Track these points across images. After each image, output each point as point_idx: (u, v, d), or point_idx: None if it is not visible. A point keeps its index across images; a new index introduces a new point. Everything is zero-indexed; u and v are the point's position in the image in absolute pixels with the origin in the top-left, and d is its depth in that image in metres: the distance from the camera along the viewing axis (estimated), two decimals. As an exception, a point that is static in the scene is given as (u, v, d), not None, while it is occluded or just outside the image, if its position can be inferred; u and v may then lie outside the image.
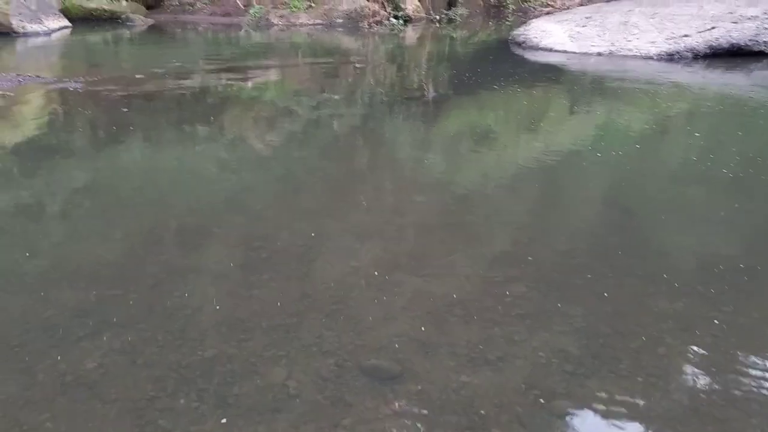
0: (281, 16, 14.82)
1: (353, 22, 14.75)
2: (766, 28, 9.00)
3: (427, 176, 4.51)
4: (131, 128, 5.53)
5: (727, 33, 9.03)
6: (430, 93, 7.69)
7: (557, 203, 4.02)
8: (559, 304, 2.68)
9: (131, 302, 2.69)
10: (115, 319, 2.56)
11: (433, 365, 2.28)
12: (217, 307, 2.66)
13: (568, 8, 13.90)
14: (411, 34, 14.08)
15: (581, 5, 13.81)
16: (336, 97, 7.21)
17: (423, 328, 2.52)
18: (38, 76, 7.65)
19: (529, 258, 3.11)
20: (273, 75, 8.92)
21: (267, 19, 14.70)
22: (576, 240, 3.36)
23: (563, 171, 4.61)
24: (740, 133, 5.69)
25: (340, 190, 4.19)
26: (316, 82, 8.33)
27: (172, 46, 11.60)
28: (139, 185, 4.21)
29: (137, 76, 7.78)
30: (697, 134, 5.65)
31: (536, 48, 10.28)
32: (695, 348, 2.42)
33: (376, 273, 2.96)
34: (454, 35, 13.83)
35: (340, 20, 14.82)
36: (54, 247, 3.26)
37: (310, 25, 14.66)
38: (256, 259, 3.12)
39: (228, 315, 2.61)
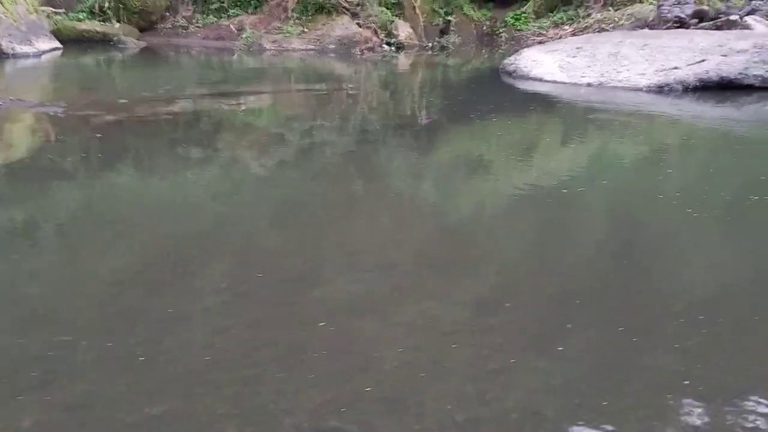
0: (274, 41, 14.80)
1: (345, 48, 14.74)
2: (755, 62, 8.99)
3: (415, 210, 4.41)
4: (105, 156, 5.39)
5: (717, 66, 9.01)
6: (423, 120, 7.66)
7: (545, 240, 3.91)
8: (537, 359, 2.54)
9: (82, 350, 2.53)
10: (61, 370, 2.40)
11: (397, 428, 2.13)
12: (174, 357, 2.51)
13: (560, 38, 13.92)
14: (404, 61, 14.08)
15: (574, 35, 13.83)
16: (329, 123, 7.15)
17: (390, 385, 2.37)
18: (20, 100, 7.53)
19: (507, 305, 2.97)
20: (265, 100, 8.85)
21: (259, 43, 14.68)
22: (561, 283, 3.22)
23: (554, 205, 4.51)
24: (734, 169, 5.60)
25: (327, 223, 4.07)
26: (308, 109, 8.28)
27: (164, 70, 11.54)
28: (106, 217, 4.06)
29: (122, 101, 7.66)
30: (689, 170, 5.58)
31: (526, 77, 10.26)
32: (682, 411, 2.27)
33: (341, 322, 2.81)
34: (447, 63, 13.85)
35: (333, 46, 14.81)
36: (3, 286, 3.11)
37: (303, 50, 14.64)
38: (223, 301, 2.97)
39: (184, 366, 2.45)
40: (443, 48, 15.67)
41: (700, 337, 2.73)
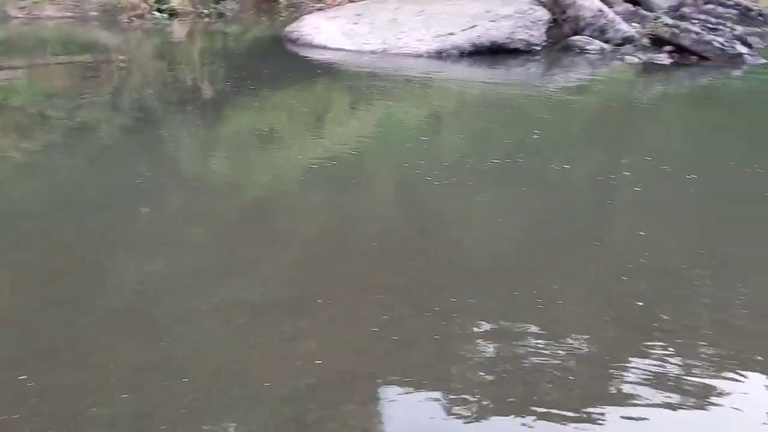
0: (21, 8, 12.92)
1: (110, 15, 13.34)
2: (519, 27, 9.65)
3: (205, 190, 4.08)
4: None
5: (487, 31, 9.53)
6: (206, 93, 7.17)
7: (334, 211, 3.87)
8: (353, 366, 2.36)
9: None
10: None
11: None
12: None
13: (339, 5, 13.86)
14: (179, 29, 13.14)
15: (351, 2, 13.83)
16: (100, 100, 6.40)
17: (142, 397, 2.04)
18: None
19: (319, 301, 2.75)
20: (18, 75, 7.67)
21: (3, 11, 12.73)
22: (359, 268, 3.08)
23: (345, 172, 4.49)
24: (507, 126, 5.98)
25: (107, 213, 3.60)
26: (74, 84, 7.36)
27: None
28: None
29: None
30: (469, 128, 5.88)
31: (310, 45, 10.06)
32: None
33: (92, 328, 2.41)
34: (226, 31, 13.19)
35: (95, 13, 13.33)
36: None
37: (59, 18, 12.98)
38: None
39: None
40: (221, 15, 14.84)
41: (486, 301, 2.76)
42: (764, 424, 2.18)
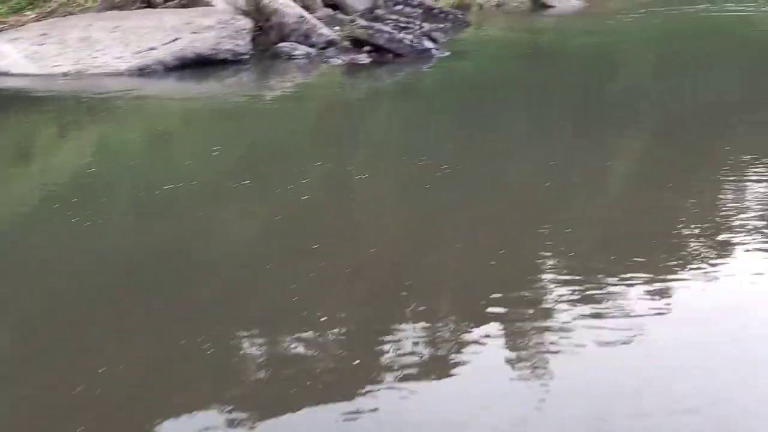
0: None
1: None
2: (223, 37, 9.54)
3: None
4: None
5: (191, 44, 9.27)
6: None
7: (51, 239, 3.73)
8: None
9: None
10: None
11: None
12: None
13: (23, 24, 12.45)
14: None
15: (37, 20, 12.50)
16: None
17: None
18: None
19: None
20: None
21: None
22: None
23: (63, 204, 4.32)
24: (232, 137, 5.94)
25: None
26: None
27: None
28: None
29: None
30: (193, 143, 5.87)
31: (-12, 73, 8.89)
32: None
33: None
34: None
35: None
36: None
37: None
38: None
39: None
40: None
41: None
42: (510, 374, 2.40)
